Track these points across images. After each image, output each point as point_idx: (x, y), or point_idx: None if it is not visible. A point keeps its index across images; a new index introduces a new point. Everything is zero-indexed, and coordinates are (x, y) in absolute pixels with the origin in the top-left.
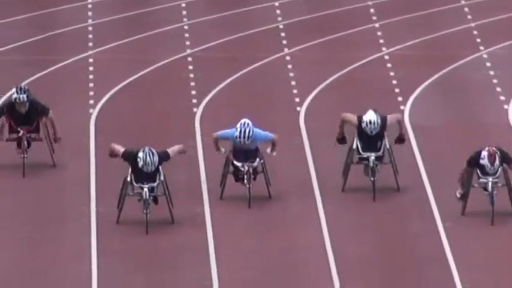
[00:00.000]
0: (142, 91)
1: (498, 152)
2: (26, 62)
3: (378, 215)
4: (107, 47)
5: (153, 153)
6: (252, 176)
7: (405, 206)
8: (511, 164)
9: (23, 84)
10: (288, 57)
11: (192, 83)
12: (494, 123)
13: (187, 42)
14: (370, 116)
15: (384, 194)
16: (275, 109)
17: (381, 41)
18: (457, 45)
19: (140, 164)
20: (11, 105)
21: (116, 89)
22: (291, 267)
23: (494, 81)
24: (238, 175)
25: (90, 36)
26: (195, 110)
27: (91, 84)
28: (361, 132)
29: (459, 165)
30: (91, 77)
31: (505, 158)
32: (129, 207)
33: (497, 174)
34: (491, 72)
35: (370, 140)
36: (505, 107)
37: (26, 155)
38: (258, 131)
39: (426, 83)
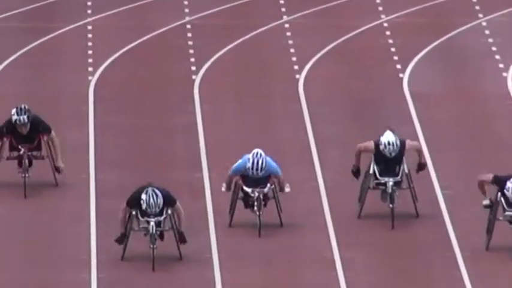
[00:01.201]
0: (141, 58)
1: None
2: (25, 28)
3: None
4: (105, 14)
5: (156, 195)
6: (263, 203)
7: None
8: None
9: (23, 105)
10: (286, 25)
11: (191, 51)
12: (493, 91)
13: (186, 10)
14: (388, 137)
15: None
16: (274, 77)
17: (380, 8)
18: (456, 13)
19: (144, 206)
20: (11, 126)
21: (114, 56)
22: None
23: (493, 48)
24: (248, 201)
25: (89, 3)
26: (193, 77)
27: (90, 52)
28: (379, 156)
29: (459, 133)
30: (90, 44)
31: None
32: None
33: None
34: (490, 40)
35: (389, 164)
36: (504, 74)
37: (27, 175)
38: (270, 161)
39: (425, 50)
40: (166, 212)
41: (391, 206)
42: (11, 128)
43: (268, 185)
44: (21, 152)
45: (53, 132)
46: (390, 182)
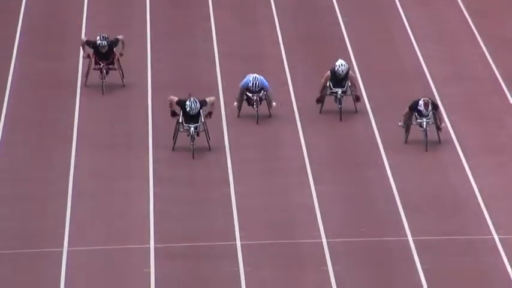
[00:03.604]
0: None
1: (430, 101)
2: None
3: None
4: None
5: (196, 102)
6: (259, 102)
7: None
8: (438, 108)
9: (104, 34)
10: None
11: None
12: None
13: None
14: (340, 61)
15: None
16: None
17: None
18: None
19: (187, 108)
20: (95, 45)
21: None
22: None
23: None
24: (250, 101)
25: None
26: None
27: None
28: (333, 75)
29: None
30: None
31: (434, 106)
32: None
33: (429, 116)
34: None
35: (339, 80)
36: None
37: (104, 80)
38: (263, 80)
39: None
40: (201, 120)
41: (339, 106)
42: (95, 47)
43: (262, 91)
44: (101, 66)
45: (120, 37)
46: (339, 91)
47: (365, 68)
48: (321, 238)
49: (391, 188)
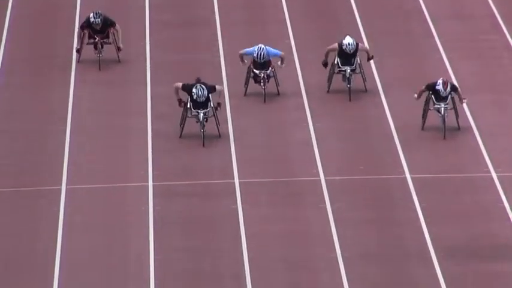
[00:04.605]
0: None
1: (449, 82)
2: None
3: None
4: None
5: (203, 88)
6: (267, 80)
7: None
8: (457, 90)
9: (98, 10)
10: None
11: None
12: None
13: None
14: (348, 40)
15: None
16: None
17: None
18: None
19: (194, 96)
20: (89, 23)
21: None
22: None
23: None
24: (256, 79)
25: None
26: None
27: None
28: (341, 52)
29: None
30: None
31: (453, 87)
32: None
33: (448, 100)
34: None
35: (347, 57)
36: None
37: (100, 54)
38: (270, 49)
39: None
40: (210, 105)
41: (348, 85)
42: (88, 24)
43: (270, 68)
44: (96, 40)
45: (117, 25)
46: (348, 69)
47: (364, 8)
48: (319, 176)
49: (389, 125)
